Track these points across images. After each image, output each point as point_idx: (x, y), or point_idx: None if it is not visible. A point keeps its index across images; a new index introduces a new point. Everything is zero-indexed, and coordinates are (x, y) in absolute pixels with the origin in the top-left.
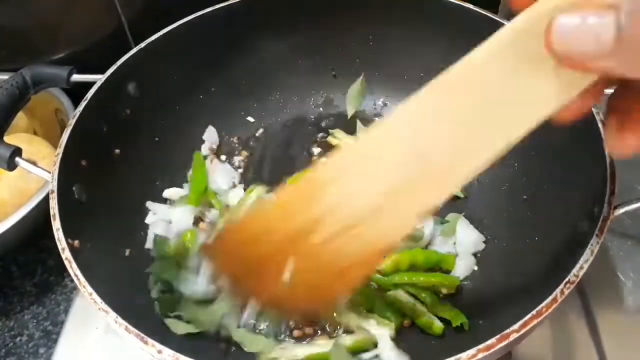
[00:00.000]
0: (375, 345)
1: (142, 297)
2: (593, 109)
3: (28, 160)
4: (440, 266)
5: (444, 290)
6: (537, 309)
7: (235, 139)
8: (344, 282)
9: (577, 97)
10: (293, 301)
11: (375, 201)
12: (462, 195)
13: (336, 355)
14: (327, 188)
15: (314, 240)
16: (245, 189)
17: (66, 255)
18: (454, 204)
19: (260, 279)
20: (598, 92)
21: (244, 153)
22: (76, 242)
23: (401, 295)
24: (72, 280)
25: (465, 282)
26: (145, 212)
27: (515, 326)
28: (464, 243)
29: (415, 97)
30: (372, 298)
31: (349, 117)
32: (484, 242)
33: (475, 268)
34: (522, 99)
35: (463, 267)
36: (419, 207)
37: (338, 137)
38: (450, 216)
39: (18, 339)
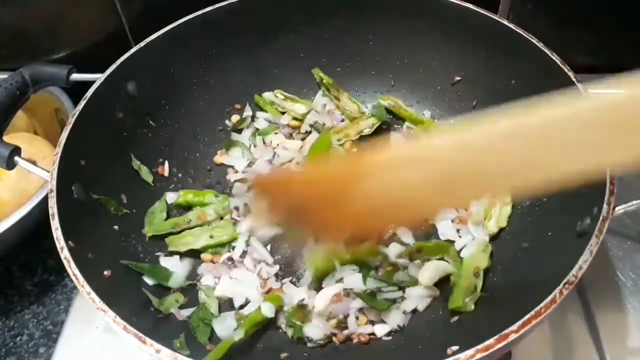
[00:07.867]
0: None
1: (141, 297)
2: None
3: (27, 160)
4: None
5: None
6: (536, 309)
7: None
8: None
9: None
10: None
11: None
12: None
13: None
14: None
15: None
16: None
17: (65, 254)
18: None
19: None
20: None
21: None
22: (75, 242)
23: None
24: (72, 280)
25: None
26: (144, 211)
27: (514, 326)
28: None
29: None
30: None
31: None
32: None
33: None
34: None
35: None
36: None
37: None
38: None
39: (18, 338)
